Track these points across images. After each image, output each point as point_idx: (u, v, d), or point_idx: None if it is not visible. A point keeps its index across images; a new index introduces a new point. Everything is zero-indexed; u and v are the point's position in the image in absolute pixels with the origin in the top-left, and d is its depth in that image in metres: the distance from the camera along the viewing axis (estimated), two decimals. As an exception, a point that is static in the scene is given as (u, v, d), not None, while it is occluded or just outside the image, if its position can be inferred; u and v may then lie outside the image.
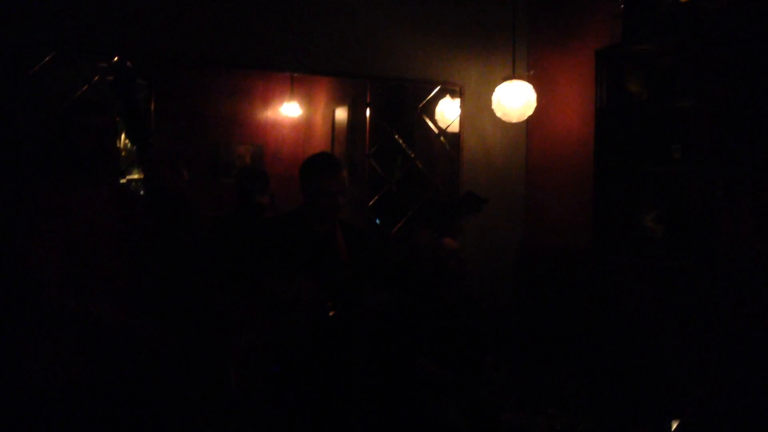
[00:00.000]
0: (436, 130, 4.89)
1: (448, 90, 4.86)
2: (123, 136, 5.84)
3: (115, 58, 4.21)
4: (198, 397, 2.47)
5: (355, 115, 5.89)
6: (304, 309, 3.10)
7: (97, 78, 4.14)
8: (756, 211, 3.42)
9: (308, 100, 6.66)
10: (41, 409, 2.36)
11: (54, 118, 2.51)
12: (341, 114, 6.28)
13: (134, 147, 2.64)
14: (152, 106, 4.48)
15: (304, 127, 6.77)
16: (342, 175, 3.16)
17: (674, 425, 2.77)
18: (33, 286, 2.29)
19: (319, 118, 6.71)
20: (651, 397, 3.28)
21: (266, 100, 6.63)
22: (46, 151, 2.55)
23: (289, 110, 6.55)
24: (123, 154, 6.66)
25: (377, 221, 4.98)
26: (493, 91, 4.48)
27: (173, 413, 2.47)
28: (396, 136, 4.84)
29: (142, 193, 2.82)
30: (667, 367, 3.53)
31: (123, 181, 4.96)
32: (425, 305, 3.77)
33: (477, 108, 4.84)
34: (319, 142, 6.67)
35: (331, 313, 3.07)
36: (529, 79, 4.48)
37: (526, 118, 4.45)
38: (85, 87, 4.08)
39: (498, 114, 4.47)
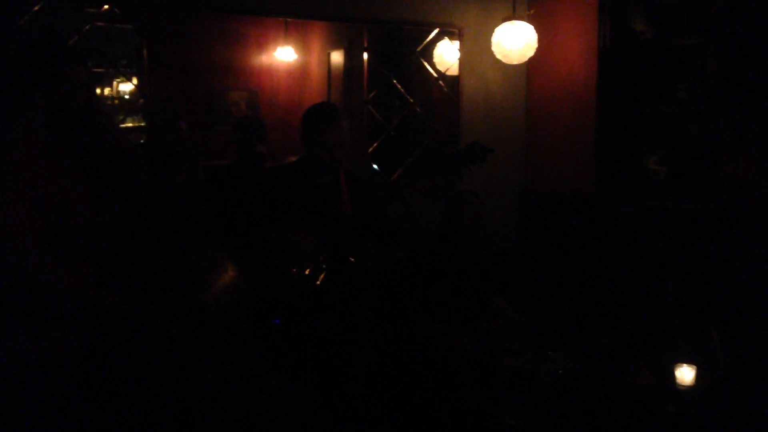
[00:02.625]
0: (435, 74, 4.79)
1: (447, 32, 4.74)
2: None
3: (105, 6, 4.10)
4: (192, 360, 2.38)
5: (351, 59, 5.78)
6: (305, 260, 3.08)
7: (88, 27, 4.03)
8: (761, 151, 3.38)
9: (303, 45, 6.55)
10: (15, 386, 2.15)
11: (25, 65, 2.22)
12: (337, 58, 6.18)
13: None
14: (144, 54, 4.37)
15: (300, 72, 6.68)
16: (340, 127, 3.08)
17: (678, 370, 2.78)
18: (10, 255, 2.09)
19: (314, 62, 6.61)
20: (653, 343, 3.29)
21: (260, 46, 6.52)
22: (11, 103, 2.26)
23: (283, 55, 6.45)
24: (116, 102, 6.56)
25: (375, 167, 4.93)
26: (492, 32, 4.37)
27: (165, 381, 2.36)
28: (394, 81, 4.74)
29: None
30: (669, 312, 3.53)
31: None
32: (434, 258, 3.75)
33: (476, 50, 4.73)
34: (315, 87, 6.59)
35: (306, 272, 3.04)
36: (529, 19, 4.37)
37: (526, 59, 4.37)
38: (76, 37, 3.96)
39: (498, 56, 4.38)
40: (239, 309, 2.48)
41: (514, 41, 4.28)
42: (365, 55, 4.72)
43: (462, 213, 3.77)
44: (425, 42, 4.73)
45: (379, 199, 3.18)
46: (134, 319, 2.25)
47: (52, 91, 2.21)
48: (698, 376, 2.75)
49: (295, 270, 3.07)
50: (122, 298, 2.26)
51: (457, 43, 4.74)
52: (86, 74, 2.33)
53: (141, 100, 5.14)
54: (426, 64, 4.78)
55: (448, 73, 4.80)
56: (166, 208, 2.65)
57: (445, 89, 4.82)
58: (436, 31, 4.71)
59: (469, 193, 3.84)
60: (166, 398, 2.31)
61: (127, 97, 6.45)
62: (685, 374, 2.78)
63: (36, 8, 3.78)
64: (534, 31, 4.28)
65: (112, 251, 2.36)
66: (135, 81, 5.34)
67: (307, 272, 3.04)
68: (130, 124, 5.71)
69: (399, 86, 4.76)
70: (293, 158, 3.71)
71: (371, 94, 4.75)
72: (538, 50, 4.31)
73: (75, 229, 2.24)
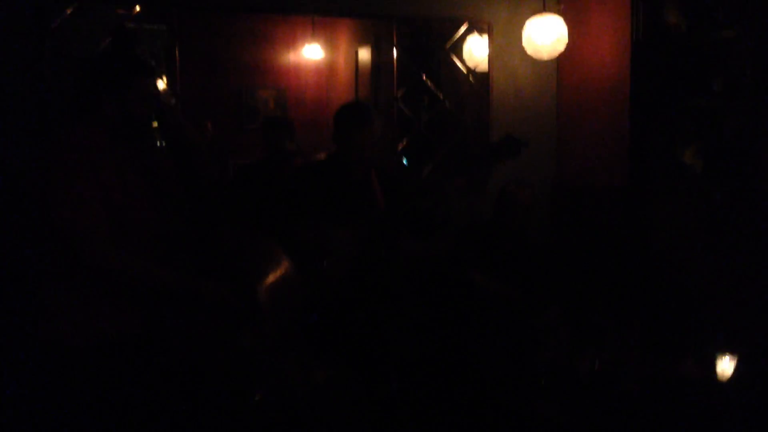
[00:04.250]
0: (464, 70, 4.79)
1: (476, 27, 4.73)
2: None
3: (137, 7, 4.14)
4: (244, 349, 2.42)
5: (379, 56, 5.78)
6: (340, 258, 3.09)
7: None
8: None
9: (330, 42, 6.55)
10: (76, 368, 2.24)
11: (98, 75, 2.34)
12: (364, 55, 6.18)
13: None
14: (176, 54, 4.40)
15: (327, 70, 6.68)
16: (371, 128, 3.08)
17: (720, 361, 2.75)
18: (80, 243, 2.19)
19: (341, 60, 6.61)
20: (692, 337, 3.26)
21: (288, 44, 6.53)
22: (80, 106, 2.37)
23: (311, 53, 6.45)
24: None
25: (404, 162, 4.94)
26: (522, 27, 4.35)
27: (219, 366, 2.41)
28: (423, 77, 4.73)
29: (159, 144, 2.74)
30: (708, 306, 3.50)
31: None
32: (479, 253, 3.74)
33: (506, 45, 4.71)
34: (343, 85, 6.59)
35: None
36: (560, 13, 4.34)
37: (557, 54, 4.33)
38: (109, 39, 4.01)
39: (528, 51, 4.35)
40: (291, 301, 2.50)
41: (545, 36, 4.25)
42: (394, 52, 4.71)
43: (516, 200, 3.75)
44: (454, 37, 4.72)
45: (414, 194, 3.18)
46: (200, 295, 2.32)
47: (120, 101, 2.31)
48: (739, 367, 2.72)
49: (326, 263, 3.09)
50: (188, 277, 2.35)
51: (486, 38, 4.73)
52: (154, 85, 2.45)
53: (173, 100, 5.18)
54: (455, 59, 4.77)
55: (478, 68, 4.79)
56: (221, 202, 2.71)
57: (475, 85, 4.80)
58: (465, 26, 4.70)
59: (522, 182, 3.82)
60: (217, 390, 2.35)
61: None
62: (726, 366, 2.76)
63: (69, 11, 3.84)
64: (565, 25, 4.25)
65: (171, 245, 2.42)
66: (165, 80, 5.38)
67: (339, 265, 3.05)
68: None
69: (428, 83, 4.75)
70: (322, 155, 3.72)
71: (400, 91, 4.75)
72: (569, 44, 4.28)
73: (136, 227, 2.32)
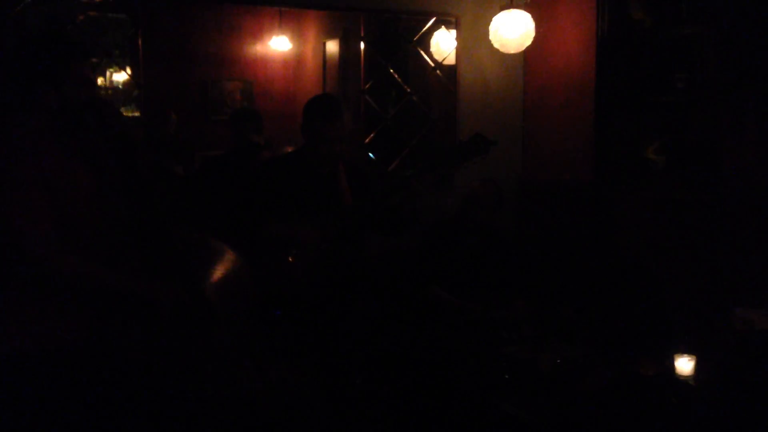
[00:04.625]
0: (432, 64, 4.77)
1: (444, 21, 4.71)
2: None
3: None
4: (195, 352, 2.35)
5: (347, 49, 5.74)
6: (306, 253, 3.07)
7: (81, 17, 3.99)
8: (761, 140, 3.37)
9: (298, 35, 6.50)
10: (21, 377, 2.12)
11: (32, 61, 2.20)
12: (332, 47, 6.14)
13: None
14: (140, 44, 4.32)
15: (295, 62, 6.63)
16: (341, 121, 3.06)
17: (678, 360, 2.78)
18: (21, 243, 2.07)
19: (309, 52, 6.56)
20: (653, 333, 3.29)
21: (255, 36, 6.47)
22: (13, 95, 2.23)
23: (278, 45, 6.40)
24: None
25: (370, 156, 4.91)
26: (490, 21, 4.35)
27: (168, 374, 2.32)
28: (391, 71, 4.71)
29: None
30: (670, 302, 3.53)
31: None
32: (444, 249, 3.73)
33: (474, 39, 4.70)
34: (310, 77, 6.54)
35: (290, 259, 3.04)
36: (527, 8, 4.34)
37: (524, 48, 4.34)
38: (69, 27, 3.92)
39: (495, 45, 4.35)
40: (242, 298, 2.45)
41: (512, 30, 4.25)
42: (362, 45, 4.68)
43: (481, 197, 3.75)
44: (422, 31, 4.70)
45: (382, 190, 3.15)
46: (143, 297, 2.22)
47: (56, 89, 2.18)
48: (698, 366, 2.75)
49: (291, 259, 3.06)
50: (131, 278, 2.24)
51: (454, 32, 4.71)
52: (91, 69, 2.30)
53: (136, 91, 5.10)
54: (423, 53, 4.75)
55: (445, 62, 4.77)
56: (166, 198, 2.62)
57: (442, 79, 4.79)
58: (433, 20, 4.68)
59: (488, 179, 3.83)
60: (168, 392, 2.28)
61: (120, 87, 6.40)
62: (684, 365, 2.78)
63: (29, -2, 3.75)
64: (532, 19, 4.26)
65: (118, 241, 2.33)
66: (129, 71, 5.30)
67: (305, 260, 3.02)
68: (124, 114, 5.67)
69: (396, 76, 4.73)
70: (290, 148, 3.68)
71: (368, 84, 4.72)
72: (536, 39, 4.29)
73: (82, 219, 2.21)
